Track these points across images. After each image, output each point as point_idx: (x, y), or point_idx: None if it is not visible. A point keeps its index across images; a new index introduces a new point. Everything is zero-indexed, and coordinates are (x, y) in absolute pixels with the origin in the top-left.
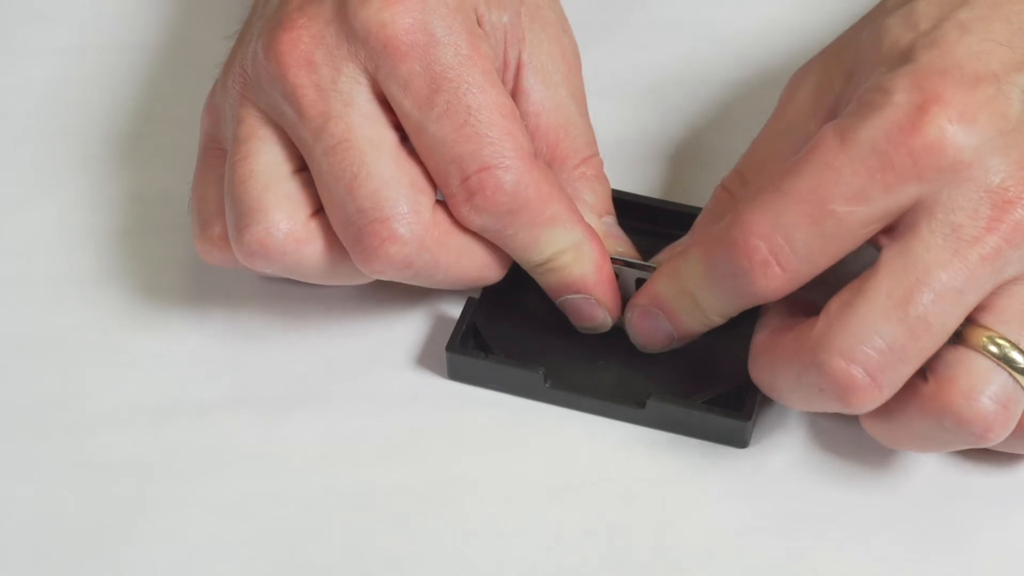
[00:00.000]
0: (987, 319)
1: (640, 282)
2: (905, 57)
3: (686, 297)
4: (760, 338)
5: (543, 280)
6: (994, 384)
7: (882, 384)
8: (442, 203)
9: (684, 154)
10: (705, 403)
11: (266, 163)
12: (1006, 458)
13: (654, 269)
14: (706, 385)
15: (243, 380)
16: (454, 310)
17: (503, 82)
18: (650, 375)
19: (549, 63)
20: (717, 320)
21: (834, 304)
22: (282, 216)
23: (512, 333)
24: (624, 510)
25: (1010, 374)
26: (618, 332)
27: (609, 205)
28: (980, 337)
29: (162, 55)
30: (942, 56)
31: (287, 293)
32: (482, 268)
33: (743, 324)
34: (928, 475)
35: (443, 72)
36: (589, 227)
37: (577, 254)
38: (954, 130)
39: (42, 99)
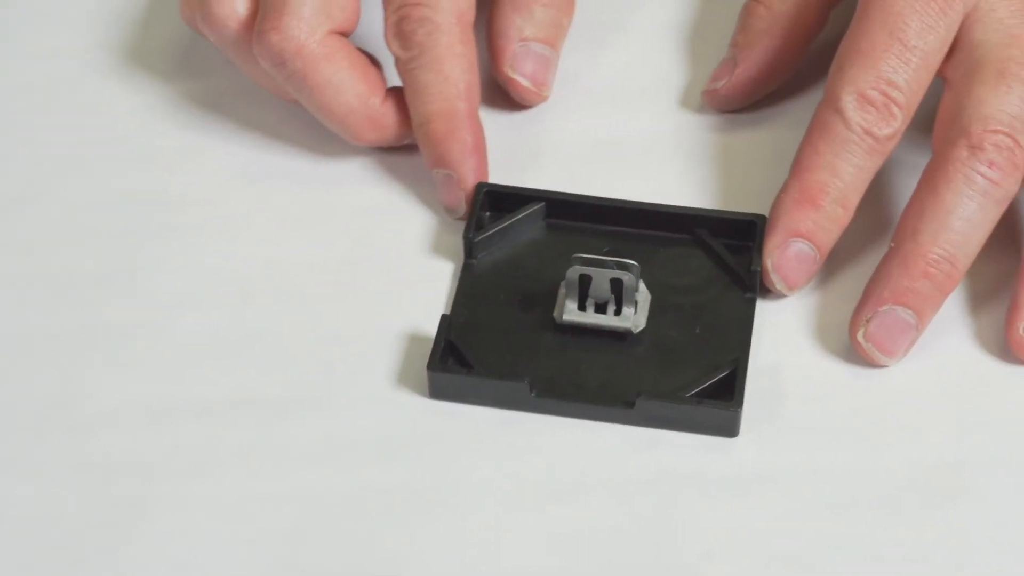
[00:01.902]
0: None
1: (617, 283)
2: None
3: (824, 187)
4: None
5: (420, 146)
6: None
7: (1022, 143)
8: (346, 39)
9: (692, 154)
10: (693, 396)
11: None
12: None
13: (633, 266)
14: (691, 379)
15: (243, 380)
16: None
17: None
18: (634, 374)
19: None
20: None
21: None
22: None
23: (489, 346)
24: (622, 510)
25: None
26: (598, 334)
27: (551, 35)
28: None
29: (163, 55)
30: None
31: (288, 293)
32: (347, 111)
33: (715, 315)
34: (925, 455)
35: None
36: (472, 109)
37: (450, 127)
38: None
39: (42, 99)
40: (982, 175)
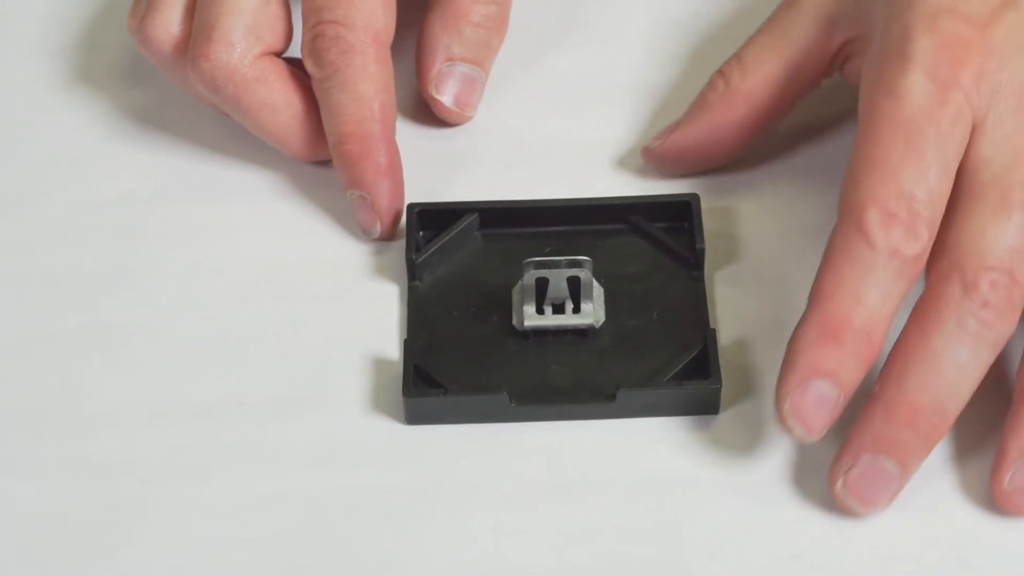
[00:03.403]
0: None
1: (573, 281)
2: (908, 2)
3: (848, 318)
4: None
5: (336, 167)
6: None
7: (1021, 281)
8: (278, 59)
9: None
10: (672, 379)
11: None
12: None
13: (586, 261)
14: (663, 363)
15: (243, 380)
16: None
17: None
18: (605, 368)
19: None
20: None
21: (952, 232)
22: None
23: (456, 364)
24: (624, 508)
25: None
26: (561, 333)
27: (479, 55)
28: None
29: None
30: (942, 1)
31: (288, 292)
32: (285, 131)
33: (668, 298)
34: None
35: None
36: (386, 130)
37: (362, 148)
38: (981, 58)
39: (43, 99)
40: (975, 317)
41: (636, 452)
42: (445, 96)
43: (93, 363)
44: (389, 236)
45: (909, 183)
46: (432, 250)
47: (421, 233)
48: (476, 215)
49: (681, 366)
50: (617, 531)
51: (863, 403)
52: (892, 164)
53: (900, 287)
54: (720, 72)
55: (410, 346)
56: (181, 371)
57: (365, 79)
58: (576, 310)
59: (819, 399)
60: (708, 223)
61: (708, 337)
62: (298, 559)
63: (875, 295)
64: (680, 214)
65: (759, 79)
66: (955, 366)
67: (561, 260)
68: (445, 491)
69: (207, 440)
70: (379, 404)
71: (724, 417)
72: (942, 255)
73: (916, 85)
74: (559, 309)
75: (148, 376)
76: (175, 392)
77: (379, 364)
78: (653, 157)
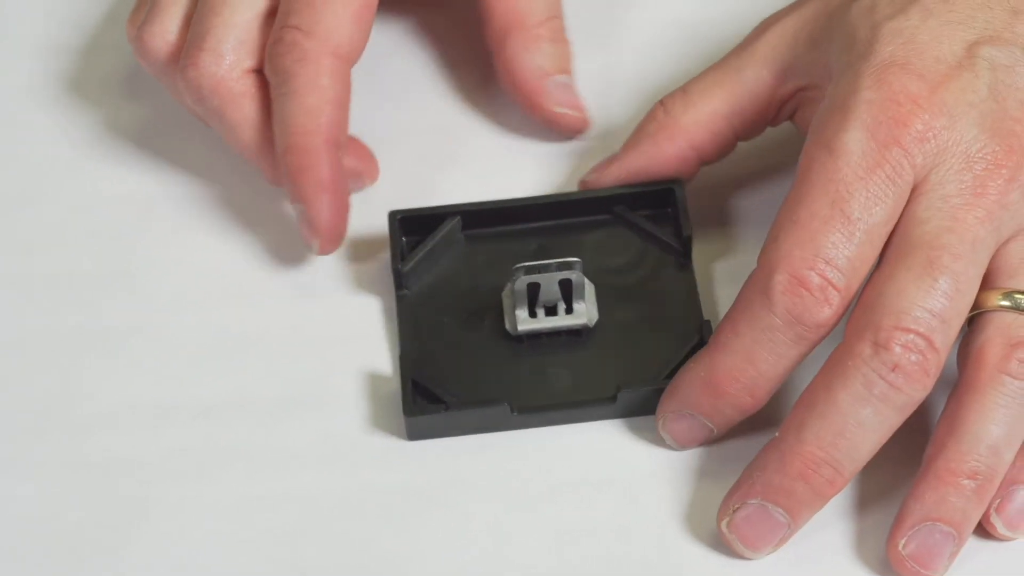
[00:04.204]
0: (995, 281)
1: (564, 283)
2: (869, 45)
3: (734, 374)
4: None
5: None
6: (1021, 331)
7: (939, 347)
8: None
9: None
10: (671, 375)
11: None
12: None
13: (576, 262)
14: (661, 359)
15: (244, 380)
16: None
17: None
18: (602, 367)
19: None
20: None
21: (869, 293)
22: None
23: (452, 375)
24: (624, 508)
25: None
26: (555, 335)
27: (565, 64)
28: (994, 298)
29: None
30: (904, 47)
31: (288, 293)
32: (256, 152)
33: (659, 288)
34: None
35: None
36: (331, 144)
37: (304, 161)
38: (927, 116)
39: (43, 99)
40: (883, 379)
41: (636, 451)
42: (567, 108)
43: (92, 364)
44: (329, 252)
45: (828, 249)
46: (418, 257)
47: (404, 240)
48: (458, 218)
49: (678, 361)
50: (616, 530)
51: (765, 445)
52: (814, 227)
53: (798, 350)
54: (662, 103)
55: (406, 360)
56: (180, 372)
57: (315, 91)
58: (569, 311)
59: (692, 427)
60: (696, 217)
61: (704, 329)
62: (298, 559)
63: (768, 358)
64: (664, 202)
65: (702, 115)
66: (856, 424)
67: (551, 264)
68: (445, 492)
69: (207, 441)
70: (377, 404)
71: None
72: (862, 310)
73: (854, 143)
74: (552, 311)
75: (148, 377)
76: (175, 393)
77: (374, 371)
78: (591, 187)
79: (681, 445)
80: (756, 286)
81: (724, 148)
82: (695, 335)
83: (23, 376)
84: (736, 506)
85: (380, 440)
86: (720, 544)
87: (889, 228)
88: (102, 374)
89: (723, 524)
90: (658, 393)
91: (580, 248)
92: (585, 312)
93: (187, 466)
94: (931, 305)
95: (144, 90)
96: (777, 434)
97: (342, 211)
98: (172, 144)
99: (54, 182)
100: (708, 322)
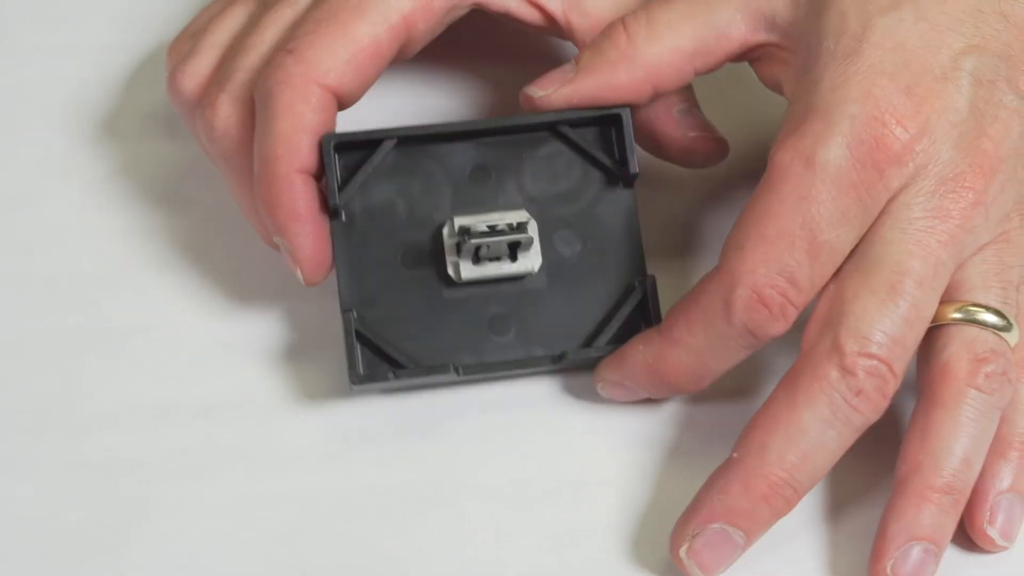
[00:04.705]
0: (952, 294)
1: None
2: (858, 42)
3: (683, 368)
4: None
5: None
6: (985, 346)
7: (898, 372)
8: None
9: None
10: (615, 336)
11: None
12: None
13: (527, 223)
14: (603, 307)
15: (243, 380)
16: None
17: None
18: (546, 314)
19: None
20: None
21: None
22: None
23: (394, 325)
24: (623, 508)
25: (990, 331)
26: (499, 282)
27: (687, 95)
28: (948, 311)
29: (163, 54)
30: (893, 52)
31: (291, 298)
32: (235, 189)
33: (600, 221)
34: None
35: None
36: (291, 173)
37: (272, 191)
38: (910, 138)
39: (43, 99)
40: (848, 402)
41: (635, 450)
42: (697, 132)
43: (92, 363)
44: (315, 283)
45: (792, 269)
46: (355, 186)
47: (339, 163)
48: (395, 141)
49: (621, 323)
50: (616, 530)
51: (719, 467)
52: (781, 246)
53: (747, 353)
54: (624, 25)
55: (349, 314)
56: (181, 371)
57: (290, 116)
58: (513, 259)
59: (629, 394)
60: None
61: (647, 281)
62: (298, 559)
63: (718, 359)
64: (610, 129)
65: (665, 49)
66: (819, 445)
67: (503, 226)
68: (445, 491)
69: (207, 441)
70: (372, 406)
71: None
72: (823, 324)
73: (833, 159)
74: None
75: (148, 376)
76: (175, 393)
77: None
78: (536, 106)
79: (615, 401)
80: (718, 293)
81: (681, 83)
82: (637, 287)
83: (23, 376)
84: (696, 531)
85: (380, 440)
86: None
87: (853, 245)
88: (102, 374)
89: (681, 551)
90: (600, 353)
91: (520, 170)
92: (530, 260)
93: (187, 466)
94: (893, 331)
95: (144, 89)
96: (734, 454)
97: (321, 241)
98: (170, 145)
99: (54, 182)
100: (653, 277)
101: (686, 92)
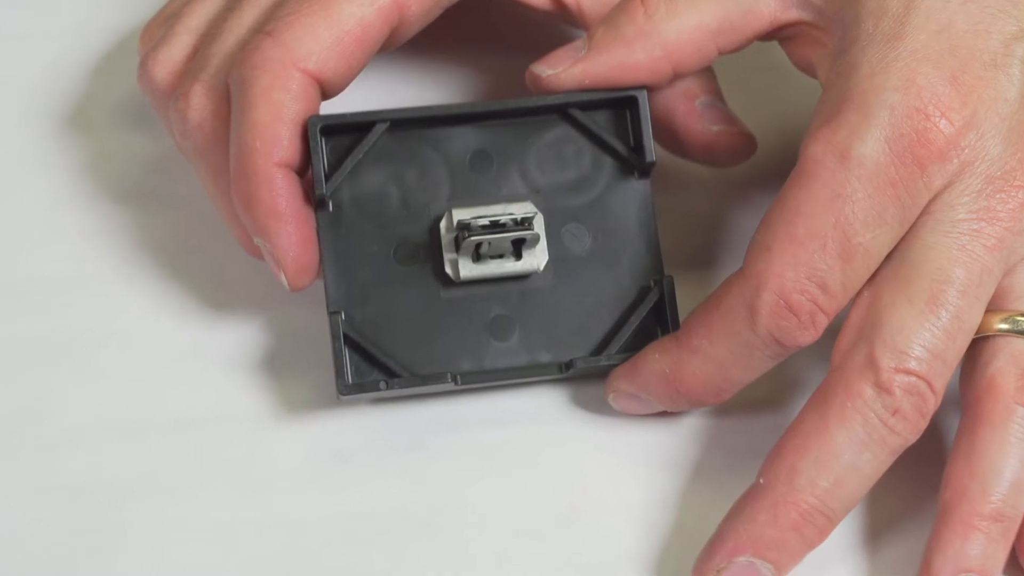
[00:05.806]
0: (999, 303)
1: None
2: (901, 24)
3: (703, 379)
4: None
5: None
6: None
7: (938, 390)
8: None
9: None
10: (628, 341)
11: None
12: None
13: (533, 218)
14: (615, 311)
15: (222, 393)
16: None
17: None
18: (551, 317)
19: None
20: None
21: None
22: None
23: (387, 325)
24: (639, 536)
25: None
26: (502, 281)
27: (710, 85)
28: (995, 321)
29: (136, 38)
30: (938, 36)
31: (274, 303)
32: (211, 189)
33: (613, 214)
34: None
35: None
36: (272, 167)
37: (249, 186)
38: (955, 131)
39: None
40: (884, 423)
41: (640, 471)
42: (722, 126)
43: (58, 376)
44: (300, 287)
45: (822, 273)
46: (342, 175)
47: (327, 148)
48: (388, 124)
49: (636, 325)
50: (624, 556)
51: (744, 494)
52: (811, 248)
53: (773, 363)
54: (641, 2)
55: (336, 316)
56: (155, 384)
57: (267, 105)
58: (518, 257)
59: (643, 406)
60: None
61: (665, 282)
62: None
63: (741, 369)
64: (624, 113)
65: (687, 26)
66: (853, 468)
67: (507, 221)
68: (443, 515)
69: (184, 459)
70: (361, 418)
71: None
72: (857, 335)
73: (870, 154)
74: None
75: (119, 390)
76: (148, 407)
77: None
78: (545, 86)
79: (628, 414)
80: (741, 298)
81: (703, 64)
82: (653, 288)
83: None
84: (721, 565)
85: (370, 457)
86: None
87: (890, 248)
88: (70, 388)
89: None
90: (610, 364)
91: (525, 156)
92: (535, 258)
93: (162, 488)
94: (933, 345)
95: (115, 75)
96: (761, 480)
97: (307, 241)
98: (154, 146)
99: (16, 178)
100: (671, 277)
101: (709, 82)
